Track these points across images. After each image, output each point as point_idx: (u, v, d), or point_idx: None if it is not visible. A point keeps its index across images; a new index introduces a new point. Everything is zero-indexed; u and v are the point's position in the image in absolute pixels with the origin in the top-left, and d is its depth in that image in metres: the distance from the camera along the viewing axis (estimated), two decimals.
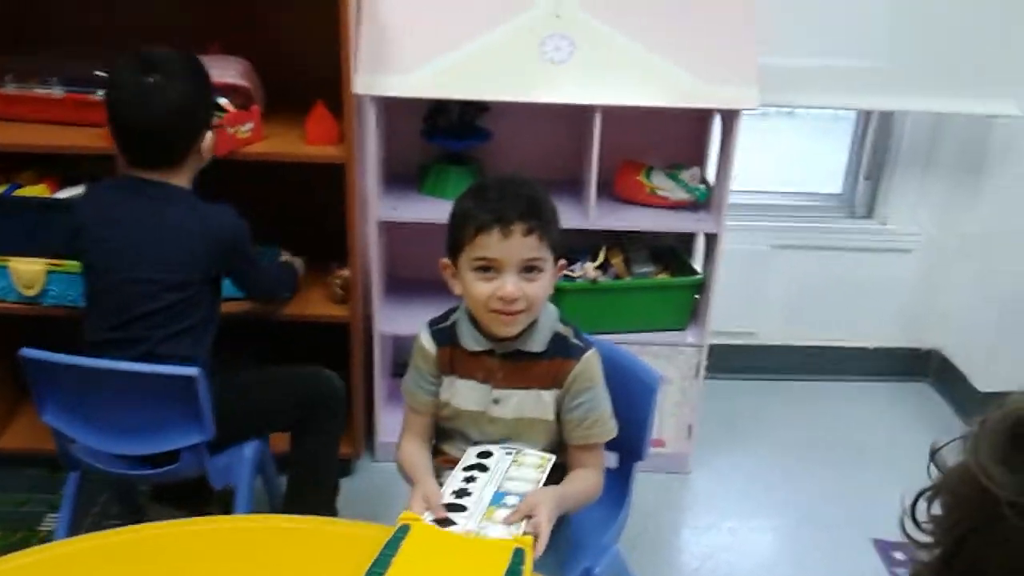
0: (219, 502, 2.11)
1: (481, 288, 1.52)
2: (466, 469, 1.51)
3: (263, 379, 2.11)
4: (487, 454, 1.55)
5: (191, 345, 1.89)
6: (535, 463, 1.52)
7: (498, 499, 1.43)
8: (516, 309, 1.52)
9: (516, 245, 1.50)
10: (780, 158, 5.01)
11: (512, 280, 1.51)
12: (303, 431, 2.09)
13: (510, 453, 1.55)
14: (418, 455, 1.62)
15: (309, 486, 2.11)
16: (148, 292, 1.85)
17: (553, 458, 1.54)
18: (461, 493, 1.45)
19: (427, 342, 1.63)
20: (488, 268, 1.52)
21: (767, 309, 3.07)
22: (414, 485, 1.51)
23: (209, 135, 1.95)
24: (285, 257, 2.42)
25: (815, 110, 5.87)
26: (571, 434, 1.61)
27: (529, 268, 1.52)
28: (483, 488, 1.45)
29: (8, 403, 2.55)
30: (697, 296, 2.58)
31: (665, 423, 2.61)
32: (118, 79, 1.87)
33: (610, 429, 1.62)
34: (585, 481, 1.59)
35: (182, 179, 1.94)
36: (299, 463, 2.11)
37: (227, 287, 2.09)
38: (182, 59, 1.91)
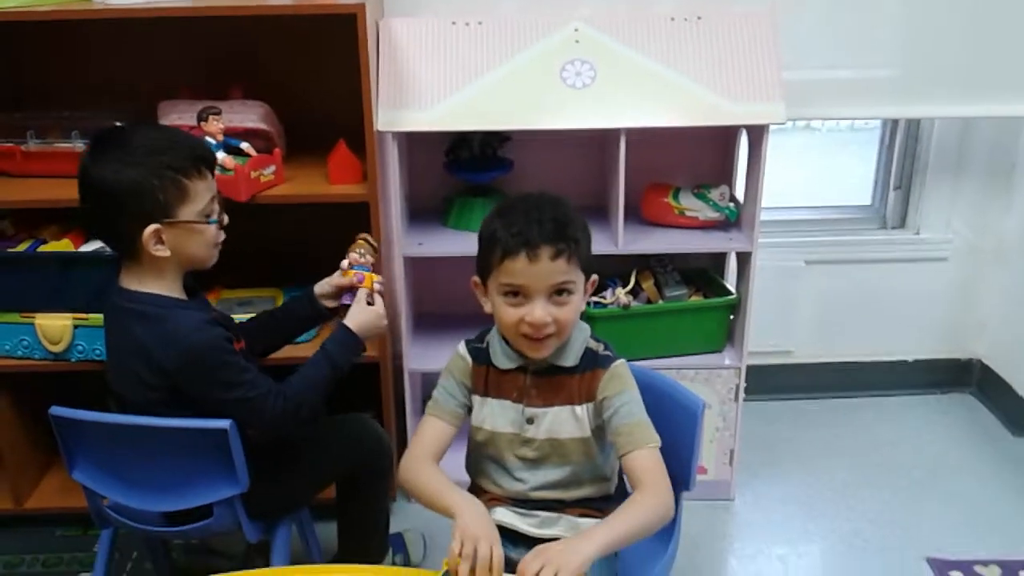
0: (261, 552, 2.06)
1: (510, 313, 1.50)
2: None
3: (304, 449, 1.96)
4: None
5: None
6: None
7: None
8: (546, 333, 1.50)
9: (544, 270, 1.47)
10: (802, 172, 4.98)
11: (541, 306, 1.48)
12: (351, 491, 2.06)
13: None
14: (434, 471, 1.54)
15: (361, 539, 2.09)
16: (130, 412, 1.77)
17: None
18: None
19: (466, 354, 1.63)
20: (516, 293, 1.50)
21: (802, 326, 3.01)
22: (450, 509, 1.44)
23: (153, 230, 1.66)
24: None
25: (834, 124, 5.89)
26: (618, 447, 1.54)
27: (559, 291, 1.49)
28: None
29: (38, 461, 2.53)
30: (732, 316, 2.53)
31: (706, 449, 2.55)
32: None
33: (653, 435, 1.54)
34: (641, 512, 1.46)
35: (145, 279, 1.73)
36: (350, 520, 2.08)
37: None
38: (138, 140, 1.69)
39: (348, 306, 1.96)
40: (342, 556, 2.10)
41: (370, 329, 1.92)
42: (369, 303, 1.93)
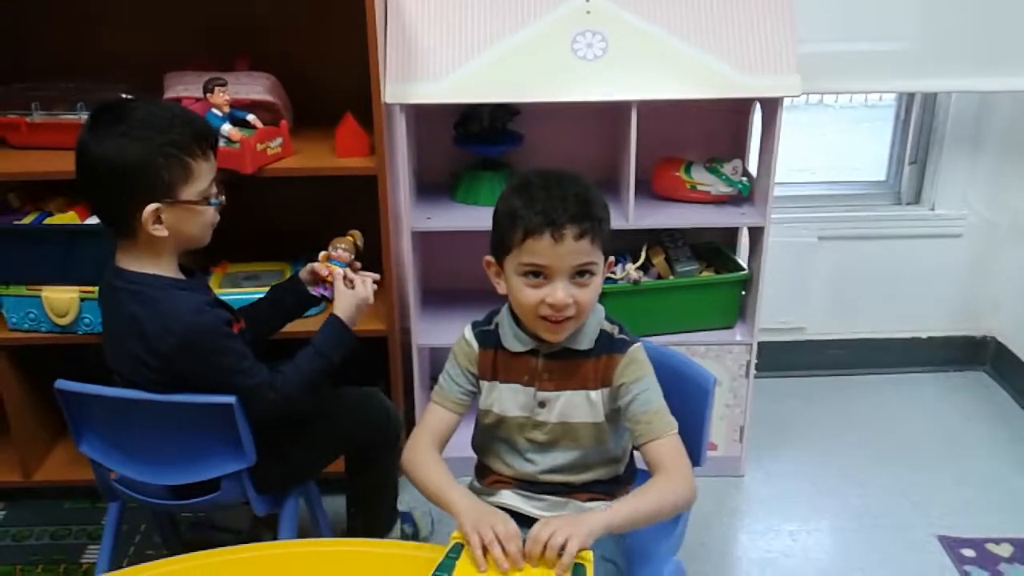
0: (268, 525, 2.06)
1: (529, 294, 1.45)
2: None
3: (313, 422, 1.93)
4: None
5: None
6: None
7: None
8: (565, 316, 1.45)
9: (568, 250, 1.41)
10: (816, 150, 4.93)
11: (563, 286, 1.43)
12: (360, 465, 2.04)
13: None
14: (433, 464, 1.52)
15: (370, 512, 2.07)
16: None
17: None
18: None
19: (471, 339, 1.58)
20: (537, 274, 1.44)
21: (815, 303, 2.98)
22: (450, 506, 1.43)
23: (154, 209, 1.62)
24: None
25: (847, 101, 5.83)
26: (637, 435, 1.51)
27: (580, 273, 1.44)
28: None
29: (46, 434, 2.53)
30: (744, 292, 2.50)
31: (716, 426, 2.53)
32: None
33: (672, 421, 1.52)
34: (657, 494, 1.44)
35: (142, 259, 1.69)
36: (359, 494, 2.07)
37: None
38: (138, 116, 1.63)
39: (323, 296, 1.97)
40: (351, 529, 2.09)
41: (356, 312, 1.89)
42: (349, 287, 1.91)
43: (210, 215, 1.72)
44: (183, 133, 1.64)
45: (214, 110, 2.08)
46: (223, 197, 1.76)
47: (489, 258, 1.52)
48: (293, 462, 1.92)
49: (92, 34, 2.40)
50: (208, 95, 2.08)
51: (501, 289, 1.52)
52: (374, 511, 2.09)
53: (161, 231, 1.65)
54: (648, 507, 1.42)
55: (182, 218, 1.67)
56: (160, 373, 1.68)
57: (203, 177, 1.68)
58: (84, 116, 2.20)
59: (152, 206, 1.62)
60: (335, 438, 1.99)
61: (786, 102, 2.27)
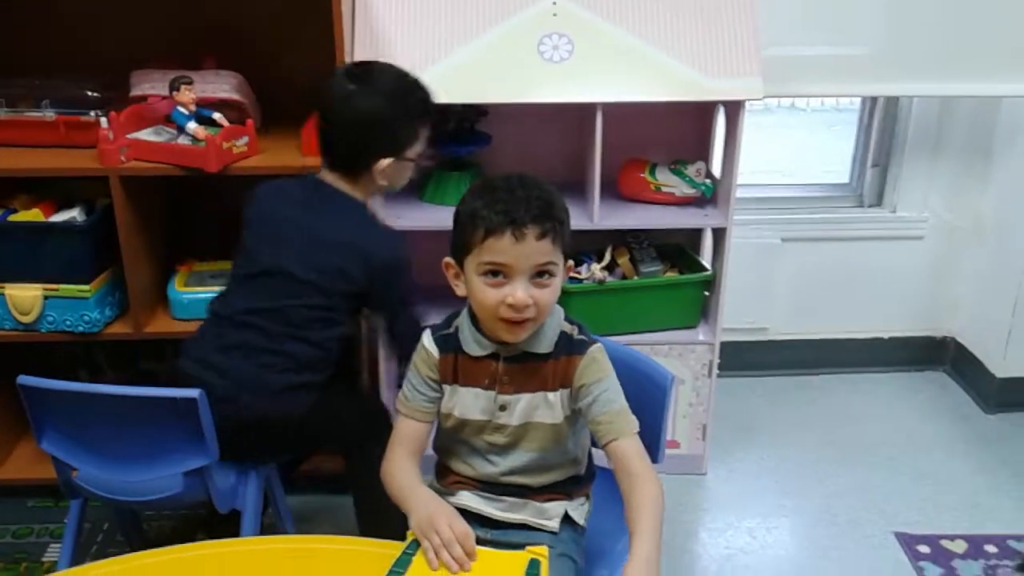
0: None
1: (490, 294, 1.44)
2: None
3: (327, 408, 1.99)
4: None
5: (311, 356, 1.90)
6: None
7: None
8: (525, 317, 1.45)
9: (529, 250, 1.41)
10: (788, 151, 4.98)
11: (523, 286, 1.43)
12: (358, 465, 2.03)
13: None
14: (402, 473, 1.53)
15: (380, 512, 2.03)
16: (288, 289, 1.86)
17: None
18: None
19: (431, 346, 1.57)
20: (497, 273, 1.44)
21: (778, 303, 3.02)
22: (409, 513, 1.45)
23: (388, 163, 1.86)
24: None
25: (818, 104, 5.91)
26: (600, 435, 1.51)
27: (541, 273, 1.44)
28: None
29: (9, 432, 2.52)
30: (707, 293, 2.54)
31: (679, 424, 2.56)
32: (329, 83, 1.91)
33: (633, 420, 1.52)
34: (656, 509, 1.43)
35: (354, 190, 1.92)
36: (364, 493, 2.05)
37: None
38: (391, 79, 1.89)
39: None
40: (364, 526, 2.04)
41: None
42: None
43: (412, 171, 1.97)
44: (423, 99, 1.91)
45: (180, 108, 2.09)
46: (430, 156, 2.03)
47: (448, 260, 1.52)
48: (266, 447, 1.93)
49: (59, 31, 2.40)
50: (174, 93, 2.08)
51: (460, 291, 1.51)
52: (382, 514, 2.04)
53: (384, 181, 1.90)
54: (659, 520, 1.42)
55: (399, 170, 1.92)
56: (356, 284, 1.87)
57: (424, 139, 1.94)
58: (49, 114, 2.21)
59: (387, 160, 1.86)
60: (320, 430, 1.99)
61: (757, 105, 2.31)
